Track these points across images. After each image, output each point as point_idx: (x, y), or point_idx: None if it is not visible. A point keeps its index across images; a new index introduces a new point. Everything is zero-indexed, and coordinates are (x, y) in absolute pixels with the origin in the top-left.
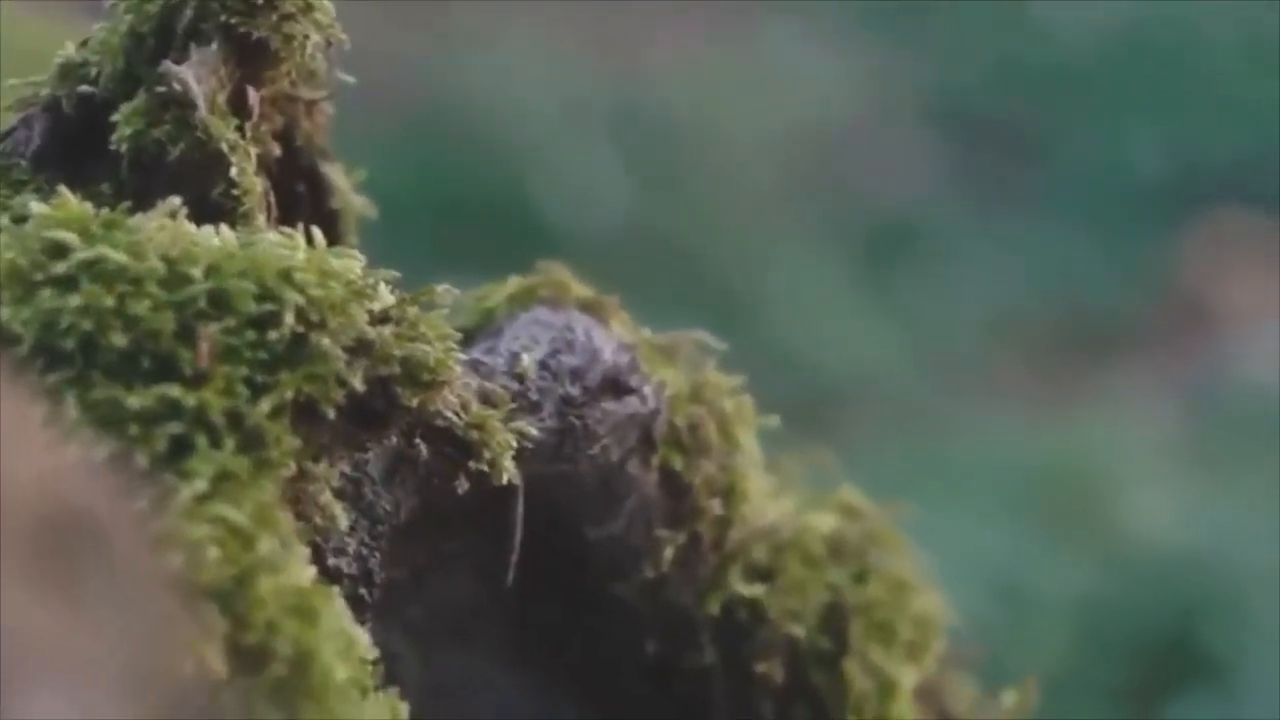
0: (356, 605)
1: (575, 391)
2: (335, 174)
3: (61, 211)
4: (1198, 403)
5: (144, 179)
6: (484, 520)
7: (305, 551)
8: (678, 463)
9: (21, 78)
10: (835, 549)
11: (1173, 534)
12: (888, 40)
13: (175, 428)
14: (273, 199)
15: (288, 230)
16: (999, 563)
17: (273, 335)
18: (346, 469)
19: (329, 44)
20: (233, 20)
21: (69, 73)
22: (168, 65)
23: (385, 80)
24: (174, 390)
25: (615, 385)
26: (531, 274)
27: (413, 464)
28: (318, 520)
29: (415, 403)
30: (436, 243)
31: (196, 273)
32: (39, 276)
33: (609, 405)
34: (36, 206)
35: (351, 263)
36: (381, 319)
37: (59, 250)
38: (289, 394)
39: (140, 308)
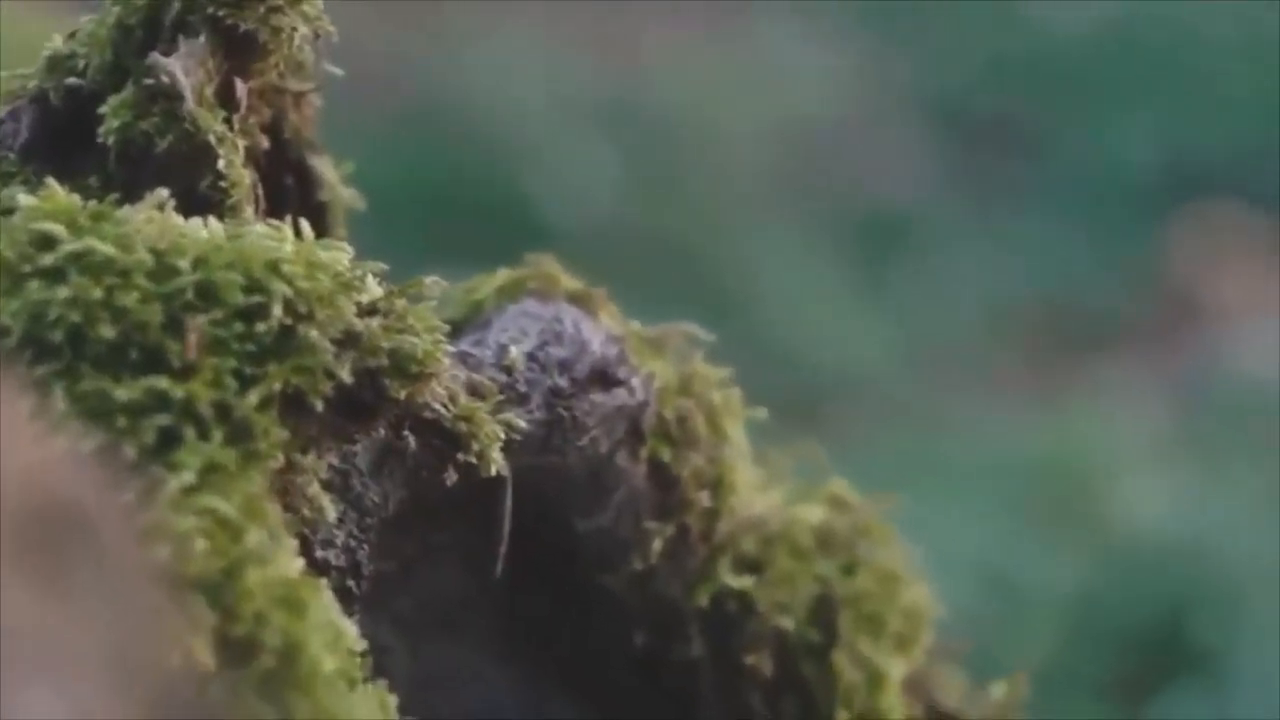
0: (345, 597)
1: (563, 383)
2: (323, 166)
3: (49, 203)
4: (1190, 397)
5: (132, 171)
6: (472, 512)
7: (293, 543)
8: (666, 455)
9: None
10: (824, 541)
11: (1164, 527)
12: (883, 37)
13: (163, 419)
14: (261, 191)
15: (275, 222)
16: (990, 556)
17: (260, 327)
18: (334, 461)
19: (317, 36)
20: (220, 12)
21: (57, 65)
22: (155, 57)
23: (375, 73)
24: (162, 382)
25: (603, 377)
26: (520, 266)
27: (401, 456)
28: (306, 512)
29: (403, 395)
30: (426, 236)
31: (184, 264)
32: (27, 268)
33: (597, 397)
34: (24, 199)
35: (339, 255)
36: (369, 311)
37: (47, 242)
38: (277, 386)
39: (128, 300)
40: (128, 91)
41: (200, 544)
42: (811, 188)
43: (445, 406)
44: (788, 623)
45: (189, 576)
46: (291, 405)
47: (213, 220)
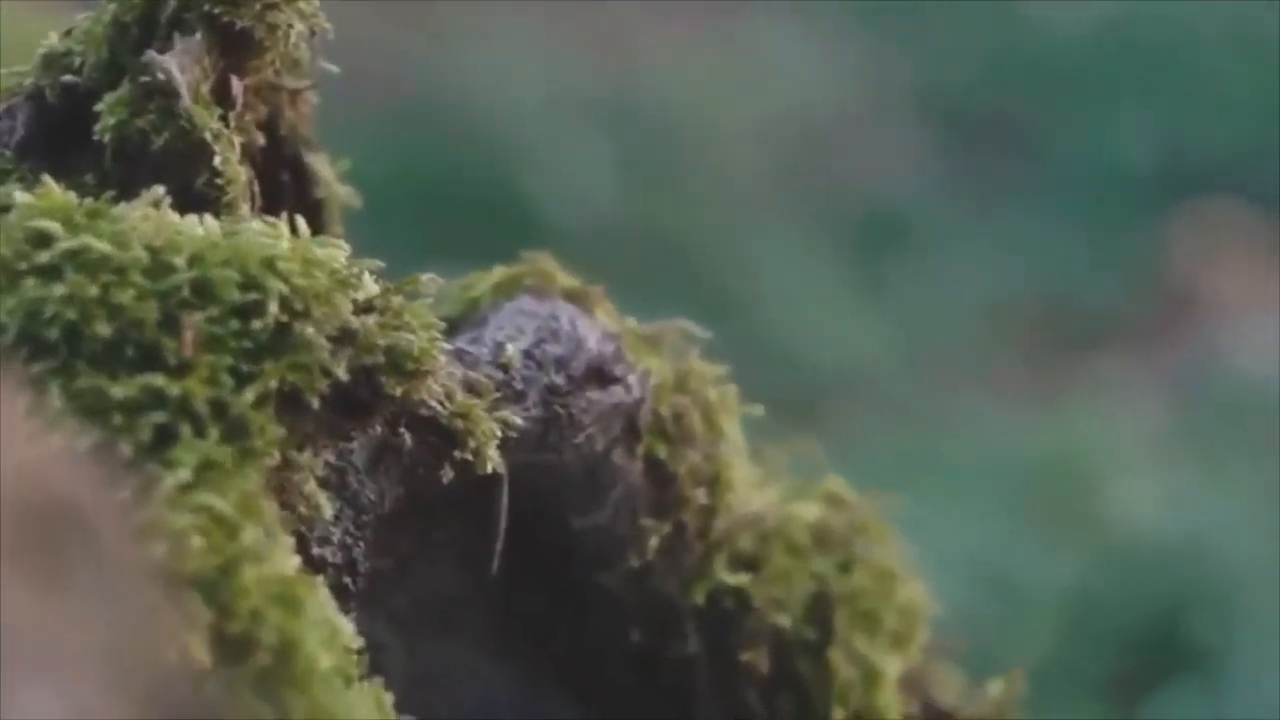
0: (341, 594)
1: (560, 381)
2: (319, 164)
3: (45, 201)
4: (1189, 395)
5: (128, 168)
6: (468, 510)
7: (290, 541)
8: (662, 452)
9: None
10: (820, 538)
11: (1162, 526)
12: (881, 36)
13: (159, 417)
14: (257, 188)
15: (271, 220)
16: (988, 554)
17: (257, 324)
18: (331, 458)
19: (313, 33)
20: (216, 10)
21: (53, 62)
22: (151, 55)
23: (372, 70)
24: (158, 379)
25: (600, 374)
26: (516, 264)
27: (397, 453)
28: (302, 509)
29: (400, 392)
30: (423, 233)
31: (180, 262)
32: (23, 266)
33: (594, 394)
34: (20, 196)
35: (336, 252)
36: (366, 308)
37: (43, 240)
38: (273, 383)
39: (124, 297)
40: (124, 89)
41: (196, 541)
42: (810, 186)
43: (441, 404)
44: (784, 620)
45: (185, 574)
46: (288, 403)
47: (209, 217)
